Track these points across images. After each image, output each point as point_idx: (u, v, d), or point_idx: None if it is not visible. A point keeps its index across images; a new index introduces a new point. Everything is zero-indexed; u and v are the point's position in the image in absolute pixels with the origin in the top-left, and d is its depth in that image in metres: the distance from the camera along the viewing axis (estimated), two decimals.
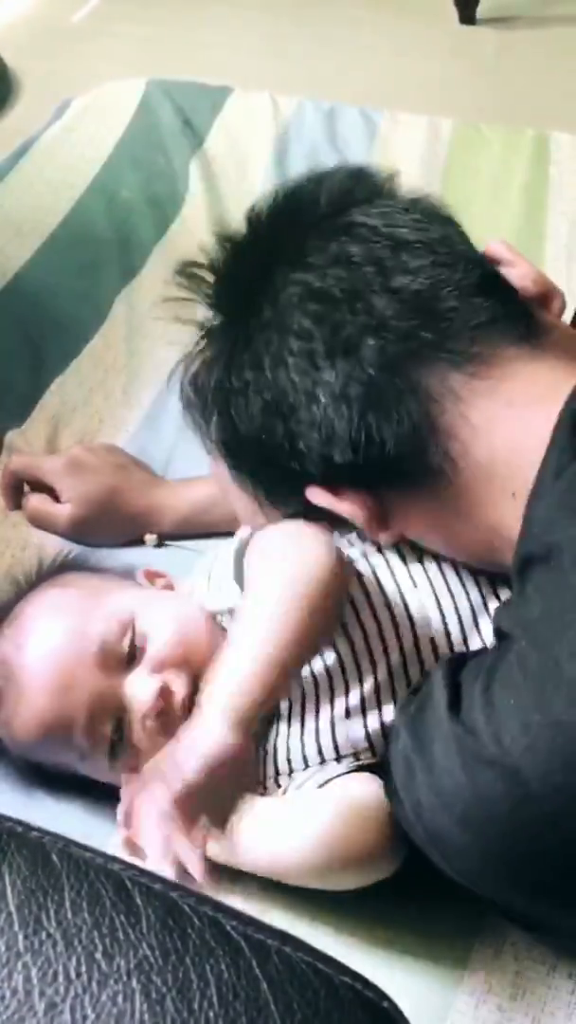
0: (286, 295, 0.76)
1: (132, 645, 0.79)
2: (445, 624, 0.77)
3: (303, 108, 1.51)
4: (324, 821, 0.71)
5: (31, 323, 1.23)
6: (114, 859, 0.45)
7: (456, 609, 0.77)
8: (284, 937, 0.41)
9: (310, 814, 0.72)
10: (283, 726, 0.77)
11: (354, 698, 0.76)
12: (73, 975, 0.40)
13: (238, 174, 1.39)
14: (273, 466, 0.78)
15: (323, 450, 0.75)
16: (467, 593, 0.78)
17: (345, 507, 0.77)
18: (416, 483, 0.74)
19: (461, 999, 0.71)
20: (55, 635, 0.80)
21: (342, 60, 2.06)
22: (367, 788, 0.73)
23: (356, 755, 0.75)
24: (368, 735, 0.75)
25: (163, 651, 0.79)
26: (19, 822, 0.47)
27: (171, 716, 0.76)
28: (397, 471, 0.74)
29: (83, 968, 0.40)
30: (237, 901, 0.74)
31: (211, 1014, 0.38)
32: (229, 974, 0.39)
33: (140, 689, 0.77)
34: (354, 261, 0.75)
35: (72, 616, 0.81)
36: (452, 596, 0.78)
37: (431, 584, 0.78)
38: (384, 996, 0.38)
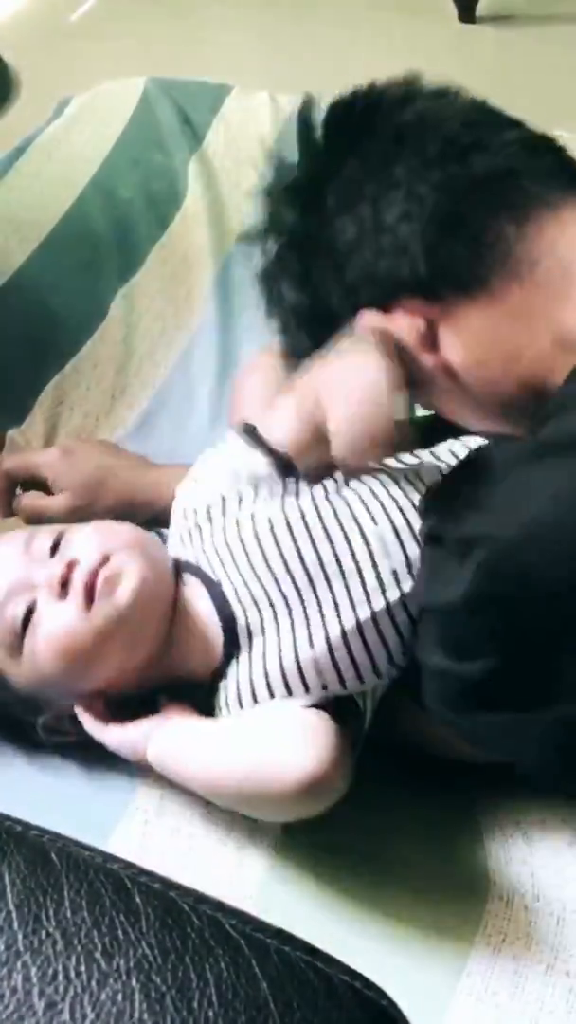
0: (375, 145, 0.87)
1: (56, 544, 0.84)
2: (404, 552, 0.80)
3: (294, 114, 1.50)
4: (256, 729, 0.77)
5: (30, 321, 1.23)
6: (113, 858, 0.45)
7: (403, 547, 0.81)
8: (283, 936, 0.41)
9: (245, 726, 0.78)
10: (246, 658, 0.81)
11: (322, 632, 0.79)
12: (72, 974, 0.40)
13: (237, 173, 1.39)
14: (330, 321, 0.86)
15: (400, 262, 0.84)
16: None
17: (400, 324, 0.84)
18: (489, 287, 0.82)
19: (459, 998, 0.71)
20: None
21: (342, 58, 2.06)
22: (316, 714, 0.77)
23: (325, 687, 0.78)
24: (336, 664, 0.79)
25: (82, 540, 0.84)
26: (18, 821, 0.47)
27: (74, 587, 0.81)
28: (476, 275, 0.82)
29: (82, 967, 0.40)
30: (235, 899, 0.74)
31: (211, 1013, 0.38)
32: (228, 973, 0.39)
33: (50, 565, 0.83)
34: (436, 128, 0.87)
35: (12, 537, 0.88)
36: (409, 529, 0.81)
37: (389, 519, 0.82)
38: (383, 995, 0.38)
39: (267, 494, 0.87)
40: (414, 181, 0.84)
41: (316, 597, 0.80)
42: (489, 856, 0.80)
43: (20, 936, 0.41)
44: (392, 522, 0.81)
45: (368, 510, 0.83)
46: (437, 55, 2.06)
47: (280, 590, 0.81)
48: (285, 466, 0.86)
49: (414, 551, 0.80)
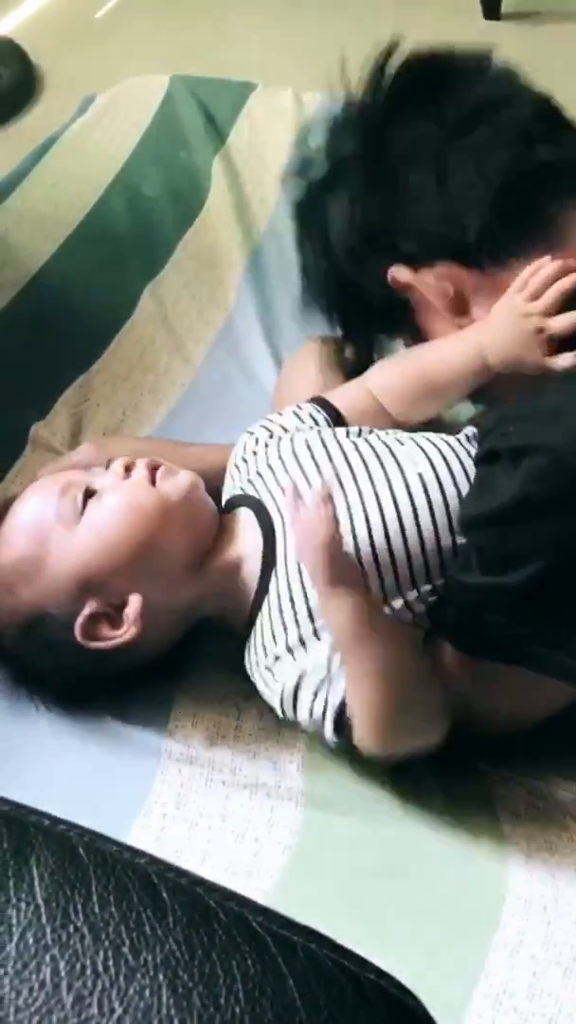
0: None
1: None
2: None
3: (326, 104, 1.50)
4: None
5: (54, 317, 1.23)
6: (140, 853, 0.45)
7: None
8: (309, 933, 0.41)
9: None
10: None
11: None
12: (100, 969, 0.40)
13: (260, 170, 1.39)
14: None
15: (453, 226, 0.93)
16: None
17: (430, 284, 0.95)
18: (528, 262, 0.90)
19: (477, 999, 0.71)
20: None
21: (366, 56, 2.05)
22: None
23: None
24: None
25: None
26: (45, 815, 0.48)
27: (138, 470, 0.88)
28: (521, 248, 0.91)
29: (110, 962, 0.41)
30: (251, 894, 0.75)
31: (237, 1010, 0.38)
32: (255, 970, 0.39)
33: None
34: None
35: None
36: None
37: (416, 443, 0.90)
38: (409, 993, 0.39)
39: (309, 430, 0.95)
40: (484, 155, 0.92)
41: (346, 499, 0.85)
42: (509, 857, 0.80)
43: (48, 930, 0.42)
44: (417, 443, 0.89)
45: (397, 439, 0.90)
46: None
47: (310, 484, 0.86)
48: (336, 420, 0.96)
49: (440, 462, 0.86)
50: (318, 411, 0.96)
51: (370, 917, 0.76)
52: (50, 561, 0.86)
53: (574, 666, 0.78)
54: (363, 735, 0.79)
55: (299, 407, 0.97)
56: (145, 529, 0.86)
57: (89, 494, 0.88)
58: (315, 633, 0.82)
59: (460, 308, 0.95)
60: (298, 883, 0.78)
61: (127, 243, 1.32)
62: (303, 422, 0.95)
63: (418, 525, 0.83)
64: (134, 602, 0.85)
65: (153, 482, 0.88)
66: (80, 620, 0.85)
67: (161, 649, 0.89)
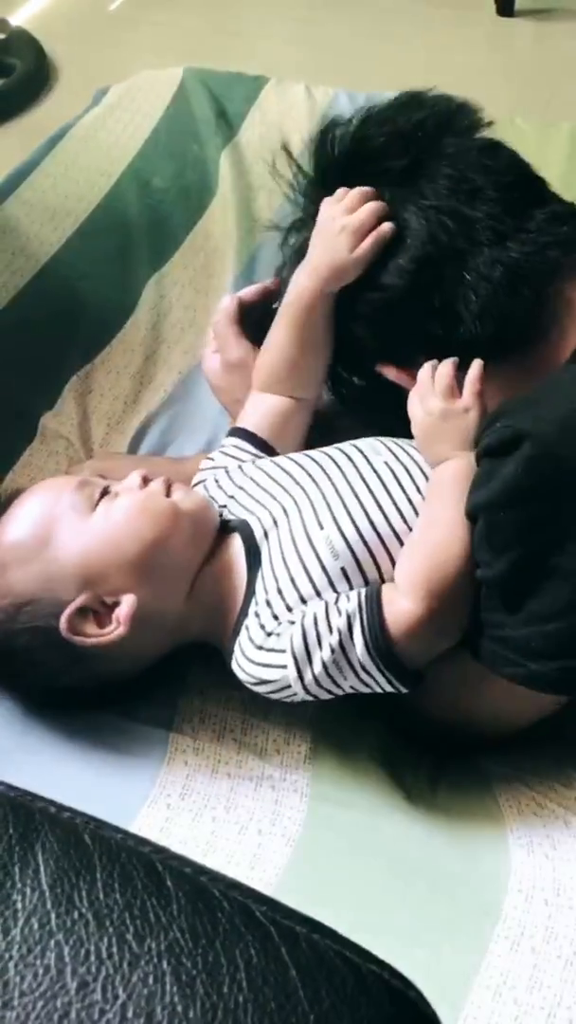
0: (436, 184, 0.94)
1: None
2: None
3: (338, 99, 1.50)
4: None
5: (64, 307, 1.24)
6: (145, 841, 0.45)
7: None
8: (312, 924, 0.41)
9: None
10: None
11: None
12: (104, 955, 0.41)
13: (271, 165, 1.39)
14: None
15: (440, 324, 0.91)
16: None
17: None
18: (524, 350, 0.91)
19: (477, 991, 0.71)
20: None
21: (378, 50, 2.06)
22: None
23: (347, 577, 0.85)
24: None
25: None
26: (51, 802, 0.48)
27: (154, 482, 0.91)
28: (522, 339, 0.91)
29: (114, 948, 0.41)
30: (254, 885, 0.75)
31: (240, 998, 0.38)
32: (258, 959, 0.39)
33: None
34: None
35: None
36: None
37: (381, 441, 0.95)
38: (410, 985, 0.39)
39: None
40: (459, 266, 0.91)
41: (321, 491, 0.88)
42: (510, 850, 0.80)
43: (53, 916, 0.42)
44: (384, 444, 0.93)
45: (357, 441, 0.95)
46: (475, 48, 2.05)
47: (286, 491, 0.90)
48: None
49: (399, 450, 0.91)
50: (242, 443, 1.00)
51: (372, 908, 0.76)
52: (54, 547, 0.86)
53: (522, 671, 0.79)
54: (412, 598, 0.80)
55: (223, 447, 1.01)
56: (155, 530, 0.87)
57: (105, 492, 0.89)
58: (302, 600, 0.84)
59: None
60: (301, 874, 0.78)
61: (136, 235, 1.33)
62: (238, 458, 0.99)
63: (399, 510, 0.86)
64: (128, 601, 0.85)
65: (168, 494, 0.90)
66: (69, 610, 0.84)
67: (136, 668, 0.89)
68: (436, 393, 0.89)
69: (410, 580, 0.81)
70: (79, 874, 0.43)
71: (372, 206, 0.96)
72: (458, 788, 0.87)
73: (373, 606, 0.80)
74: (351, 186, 0.98)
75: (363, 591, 0.82)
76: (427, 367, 0.91)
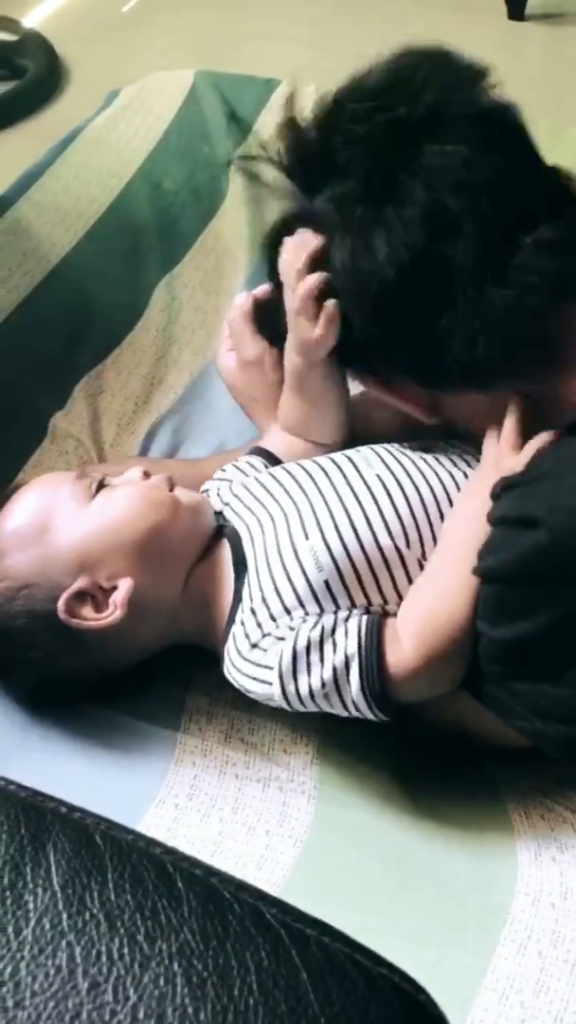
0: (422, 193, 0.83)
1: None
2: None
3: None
4: None
5: (74, 308, 1.24)
6: (155, 843, 0.46)
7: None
8: (322, 926, 0.42)
9: None
10: None
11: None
12: (116, 956, 0.41)
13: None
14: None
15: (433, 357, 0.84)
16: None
17: (403, 399, 0.90)
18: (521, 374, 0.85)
19: (484, 994, 0.71)
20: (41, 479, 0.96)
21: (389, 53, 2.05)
22: None
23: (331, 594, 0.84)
24: None
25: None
26: (62, 802, 0.48)
27: (156, 476, 0.91)
28: (505, 372, 0.85)
29: (125, 950, 0.41)
30: (261, 887, 0.75)
31: (251, 1000, 0.39)
32: (269, 962, 0.39)
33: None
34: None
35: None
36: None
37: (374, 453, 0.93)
38: (420, 989, 0.39)
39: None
40: (452, 301, 0.82)
41: (309, 501, 0.87)
42: (517, 853, 0.80)
43: (65, 916, 0.42)
44: (373, 449, 0.92)
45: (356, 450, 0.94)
46: (486, 52, 2.04)
47: (275, 500, 0.90)
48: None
49: (394, 463, 0.90)
50: (254, 459, 1.00)
51: (379, 910, 0.76)
52: (53, 532, 0.87)
53: (529, 727, 0.78)
54: (411, 644, 0.80)
55: (237, 461, 1.00)
56: (154, 517, 0.88)
57: (102, 484, 0.90)
58: (286, 610, 0.83)
59: (433, 409, 0.92)
60: (308, 876, 0.78)
61: (147, 236, 1.33)
62: (246, 473, 0.98)
63: (387, 525, 0.85)
64: (125, 584, 0.85)
65: (171, 489, 0.91)
66: (67, 594, 0.85)
67: (130, 658, 0.89)
68: (511, 453, 0.85)
69: (411, 628, 0.80)
70: (90, 875, 0.44)
71: (309, 285, 0.88)
72: (465, 791, 0.87)
73: (372, 650, 0.80)
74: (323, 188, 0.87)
75: (363, 626, 0.81)
76: (510, 421, 0.86)
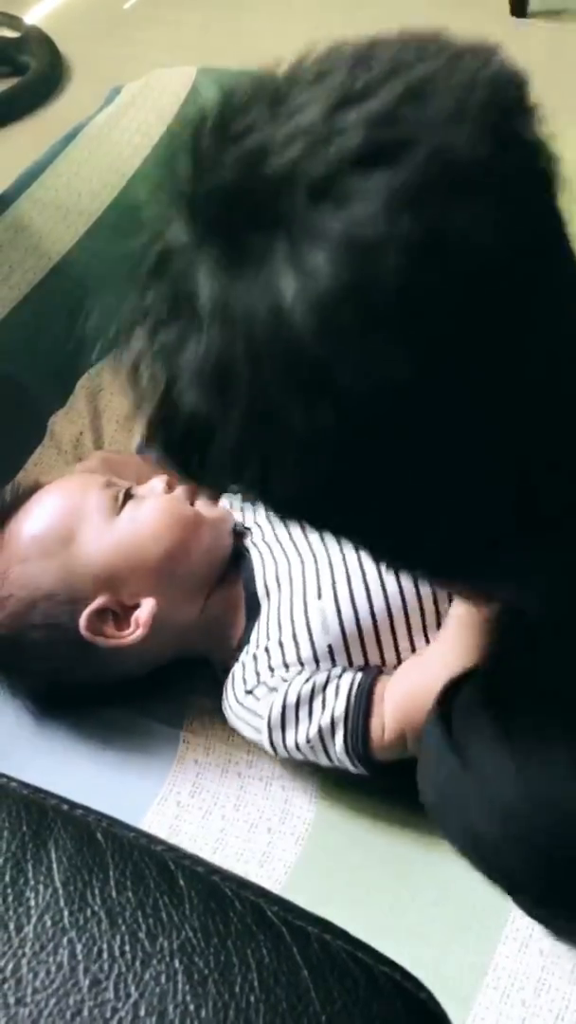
0: None
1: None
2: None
3: None
4: None
5: (75, 306, 1.24)
6: (157, 840, 0.46)
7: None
8: (323, 924, 0.42)
9: None
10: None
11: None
12: (117, 953, 0.41)
13: None
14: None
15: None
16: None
17: None
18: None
19: (485, 992, 0.71)
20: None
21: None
22: None
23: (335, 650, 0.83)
24: None
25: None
26: (63, 799, 0.48)
27: (179, 489, 0.90)
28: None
29: (127, 947, 0.41)
30: (263, 884, 0.75)
31: (252, 998, 0.39)
32: (270, 959, 0.39)
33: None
34: None
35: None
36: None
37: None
38: (421, 987, 0.39)
39: None
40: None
41: (329, 557, 0.85)
42: None
43: (66, 913, 0.42)
44: None
45: None
46: None
47: (296, 549, 0.87)
48: None
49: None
50: None
51: (380, 907, 0.76)
52: (78, 544, 0.86)
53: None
54: (394, 716, 0.78)
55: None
56: (179, 536, 0.87)
57: (129, 496, 0.89)
58: (284, 665, 0.82)
59: None
60: (310, 874, 0.78)
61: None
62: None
63: (401, 592, 0.82)
64: (148, 604, 0.85)
65: (192, 502, 0.90)
66: (89, 611, 0.84)
67: (140, 670, 0.89)
68: None
69: (395, 698, 0.78)
70: (92, 872, 0.44)
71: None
72: None
73: (359, 713, 0.78)
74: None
75: (354, 687, 0.79)
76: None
